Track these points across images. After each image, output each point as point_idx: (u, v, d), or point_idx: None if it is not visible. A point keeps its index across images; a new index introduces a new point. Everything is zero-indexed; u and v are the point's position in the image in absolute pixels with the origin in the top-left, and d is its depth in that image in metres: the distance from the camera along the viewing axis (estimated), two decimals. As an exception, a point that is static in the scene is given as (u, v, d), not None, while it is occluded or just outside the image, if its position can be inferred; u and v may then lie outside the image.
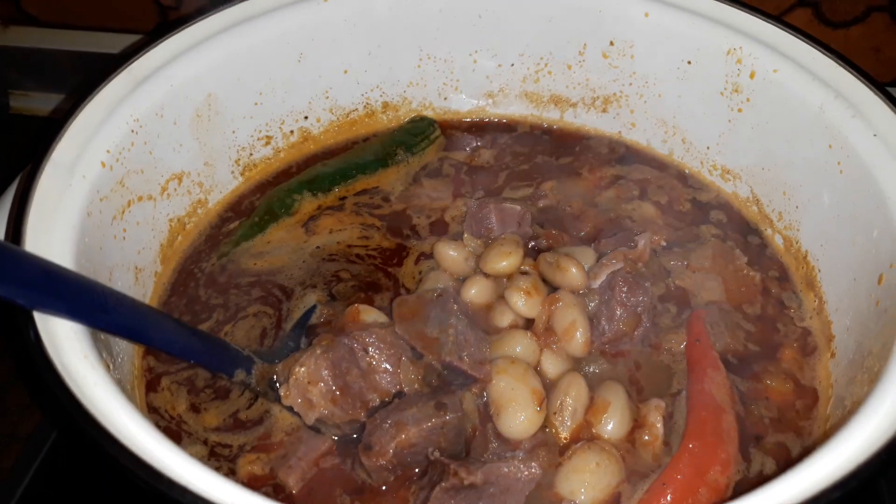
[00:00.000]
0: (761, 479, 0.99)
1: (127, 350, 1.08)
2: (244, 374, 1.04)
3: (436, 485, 0.93)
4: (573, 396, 1.01)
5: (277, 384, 1.05)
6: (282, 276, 1.23)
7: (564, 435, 1.01)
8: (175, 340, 0.99)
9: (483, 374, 1.02)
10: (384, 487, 0.98)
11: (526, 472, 0.94)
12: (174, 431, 1.05)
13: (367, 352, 1.03)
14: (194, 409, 1.08)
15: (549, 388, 1.04)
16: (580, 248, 1.20)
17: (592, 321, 1.09)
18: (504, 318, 1.11)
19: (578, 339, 1.06)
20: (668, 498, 0.94)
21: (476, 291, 1.13)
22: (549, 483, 0.97)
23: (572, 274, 1.11)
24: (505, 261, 1.13)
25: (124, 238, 1.13)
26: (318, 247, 1.27)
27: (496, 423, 1.01)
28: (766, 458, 1.02)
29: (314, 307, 1.18)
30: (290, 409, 1.02)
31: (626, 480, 0.98)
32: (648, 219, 1.30)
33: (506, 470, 0.94)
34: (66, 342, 0.84)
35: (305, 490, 0.99)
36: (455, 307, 1.05)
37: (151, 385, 1.11)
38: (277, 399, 1.04)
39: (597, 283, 1.12)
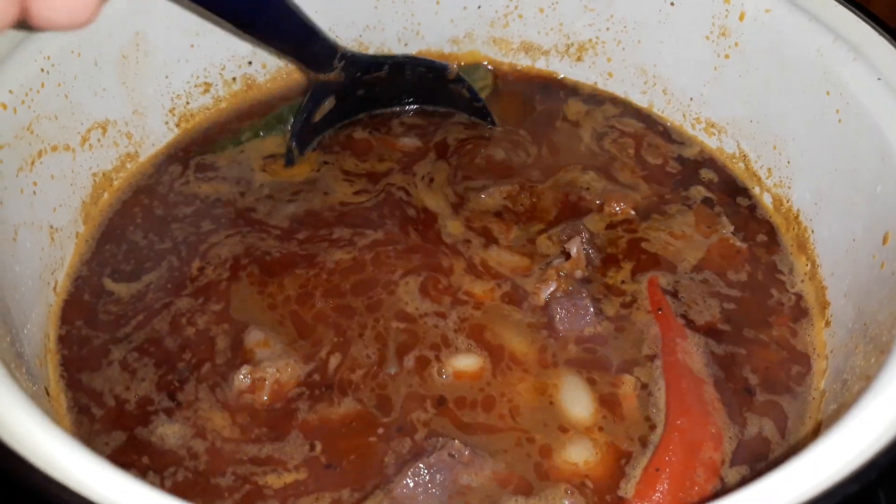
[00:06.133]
0: (761, 441, 0.92)
1: (37, 320, 0.95)
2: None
3: (419, 456, 0.86)
4: None
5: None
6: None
7: None
8: None
9: None
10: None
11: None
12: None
13: None
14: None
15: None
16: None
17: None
18: None
19: None
20: (665, 485, 0.85)
21: None
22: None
23: None
24: None
25: (34, 193, 1.00)
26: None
27: None
28: (763, 420, 0.94)
29: None
30: None
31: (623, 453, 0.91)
32: (622, 182, 1.19)
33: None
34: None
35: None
36: None
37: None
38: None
39: (541, 302, 1.04)
